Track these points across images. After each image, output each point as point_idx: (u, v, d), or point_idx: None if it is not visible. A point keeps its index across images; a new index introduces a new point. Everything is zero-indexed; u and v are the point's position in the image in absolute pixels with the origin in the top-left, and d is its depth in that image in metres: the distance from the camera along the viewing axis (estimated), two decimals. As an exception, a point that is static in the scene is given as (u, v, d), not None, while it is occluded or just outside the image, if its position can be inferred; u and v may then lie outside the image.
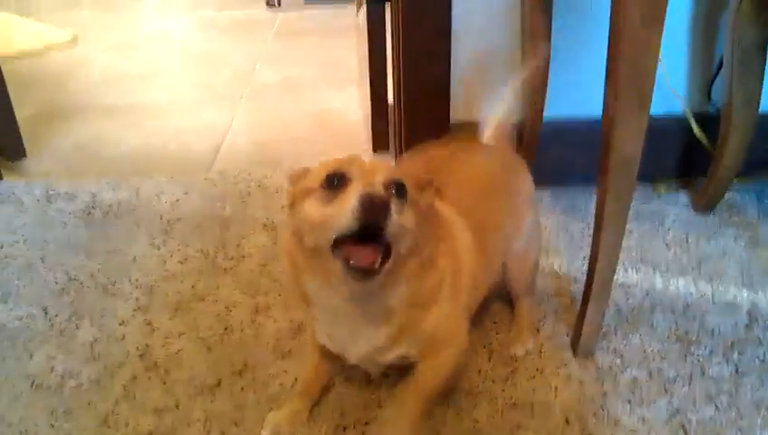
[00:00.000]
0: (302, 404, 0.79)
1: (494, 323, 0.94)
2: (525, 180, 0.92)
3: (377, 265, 0.58)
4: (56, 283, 1.06)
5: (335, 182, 0.60)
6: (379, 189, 0.58)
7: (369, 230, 0.57)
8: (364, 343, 0.69)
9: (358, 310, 0.67)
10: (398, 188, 0.62)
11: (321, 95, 1.92)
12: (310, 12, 2.94)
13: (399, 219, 0.59)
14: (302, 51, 2.38)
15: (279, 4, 2.95)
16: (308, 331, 0.84)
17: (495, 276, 0.87)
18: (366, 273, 0.58)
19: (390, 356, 0.71)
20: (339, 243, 0.59)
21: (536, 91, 1.19)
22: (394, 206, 0.58)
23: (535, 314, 0.95)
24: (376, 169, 0.62)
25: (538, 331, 0.93)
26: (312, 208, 0.61)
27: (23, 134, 1.53)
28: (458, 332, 0.75)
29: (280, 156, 1.52)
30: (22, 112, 1.57)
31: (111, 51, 2.43)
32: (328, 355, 0.78)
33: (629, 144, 0.73)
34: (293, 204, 0.66)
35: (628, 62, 0.69)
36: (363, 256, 0.57)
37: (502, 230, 0.85)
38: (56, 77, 2.15)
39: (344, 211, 0.57)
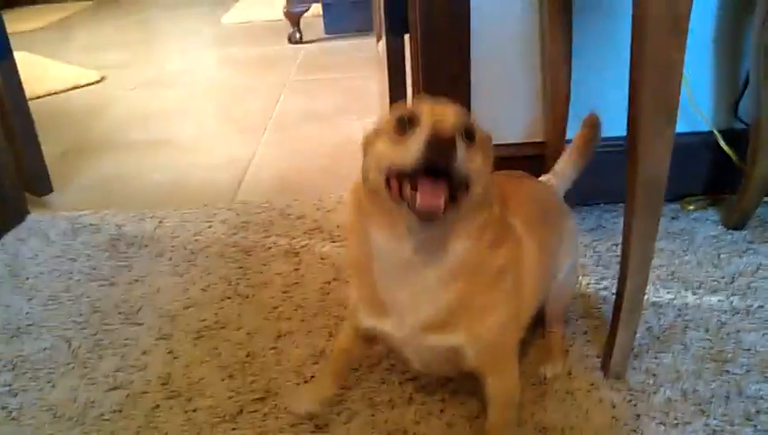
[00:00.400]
0: (329, 386, 0.79)
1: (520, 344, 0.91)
2: (573, 222, 0.92)
3: (442, 208, 0.56)
4: (80, 314, 1.07)
5: (405, 124, 0.59)
6: (447, 130, 0.57)
7: (436, 170, 0.56)
8: (422, 308, 0.66)
9: (421, 264, 0.64)
10: (467, 132, 0.60)
11: (344, 124, 1.93)
12: (331, 44, 2.98)
13: (466, 162, 0.57)
14: (325, 82, 2.40)
15: (301, 40, 3.00)
16: (347, 316, 0.81)
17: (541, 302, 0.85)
18: (431, 214, 0.56)
19: (444, 342, 0.67)
20: (405, 185, 0.58)
21: (558, 111, 1.18)
22: (461, 147, 0.56)
23: (565, 337, 0.92)
24: (446, 112, 0.60)
25: (567, 352, 0.90)
26: (382, 148, 0.61)
27: (50, 170, 1.56)
28: (515, 348, 0.73)
29: (302, 185, 1.53)
30: (49, 149, 1.61)
31: (138, 89, 2.49)
32: (364, 341, 0.77)
33: (656, 162, 0.72)
34: (365, 149, 0.65)
35: (651, 79, 0.68)
36: (428, 196, 0.56)
37: (553, 256, 0.83)
38: (83, 115, 2.20)
39: (411, 150, 0.56)
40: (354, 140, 1.82)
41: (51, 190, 1.55)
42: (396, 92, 1.39)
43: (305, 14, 3.00)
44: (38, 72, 2.71)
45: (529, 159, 1.18)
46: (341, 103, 2.13)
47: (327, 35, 3.11)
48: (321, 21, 3.18)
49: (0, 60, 1.38)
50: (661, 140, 0.71)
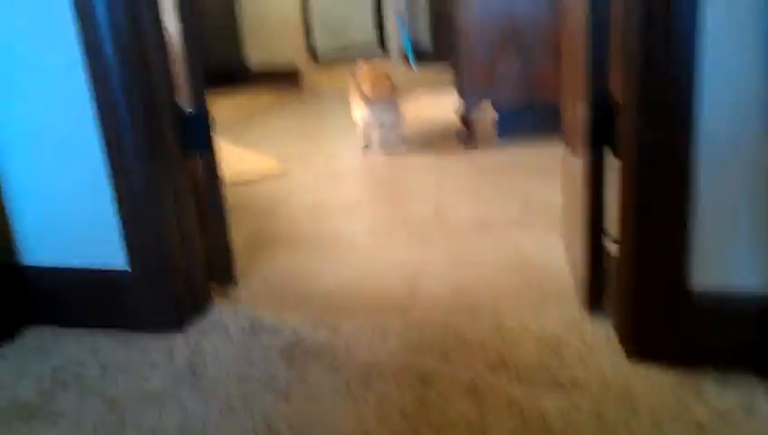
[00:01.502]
0: None
1: None
2: None
3: None
4: (254, 430, 1.03)
5: None
6: None
7: None
8: None
9: None
10: None
11: (521, 238, 1.84)
12: (505, 148, 2.94)
13: None
14: (500, 188, 2.34)
15: (474, 143, 3.00)
16: None
17: None
18: None
19: None
20: None
21: None
22: None
23: None
24: None
25: None
26: None
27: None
28: None
29: (478, 304, 1.44)
30: (234, 239, 1.67)
31: (318, 181, 2.59)
32: None
33: None
34: None
35: None
36: None
37: None
38: (267, 204, 2.31)
39: None
40: (533, 260, 1.73)
41: (236, 283, 1.59)
42: (595, 212, 1.27)
43: (479, 118, 3.01)
44: (229, 159, 2.93)
45: None
46: (517, 214, 2.04)
47: (501, 138, 3.08)
48: (495, 124, 3.17)
49: (203, 150, 1.46)
50: None
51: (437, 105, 3.96)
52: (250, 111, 4.40)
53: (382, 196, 2.39)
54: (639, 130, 1.05)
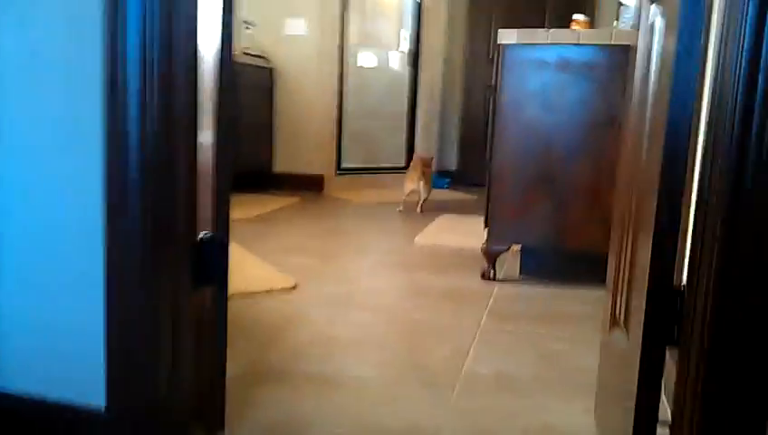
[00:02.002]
0: None
1: None
2: None
3: None
4: None
5: None
6: None
7: None
8: None
9: None
10: None
11: (547, 405, 1.65)
12: (526, 288, 2.80)
13: None
14: (522, 338, 2.18)
15: (494, 278, 2.86)
16: None
17: None
18: None
19: None
20: None
21: None
22: None
23: None
24: None
25: None
26: None
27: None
28: None
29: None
30: (228, 367, 1.50)
31: (324, 306, 2.44)
32: None
33: None
34: None
35: None
36: None
37: None
38: (271, 328, 2.15)
39: None
40: (558, 432, 1.54)
41: (222, 427, 1.41)
42: (647, 414, 1.10)
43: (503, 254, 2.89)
44: (238, 266, 2.80)
45: None
46: (541, 372, 1.87)
47: (522, 276, 2.95)
48: (516, 259, 3.06)
49: (215, 283, 1.33)
50: None
51: (460, 230, 3.87)
52: (270, 214, 4.34)
53: (394, 330, 2.22)
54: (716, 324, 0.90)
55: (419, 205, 4.65)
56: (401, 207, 4.69)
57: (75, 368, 1.24)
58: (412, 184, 4.60)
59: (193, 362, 1.26)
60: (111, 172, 1.09)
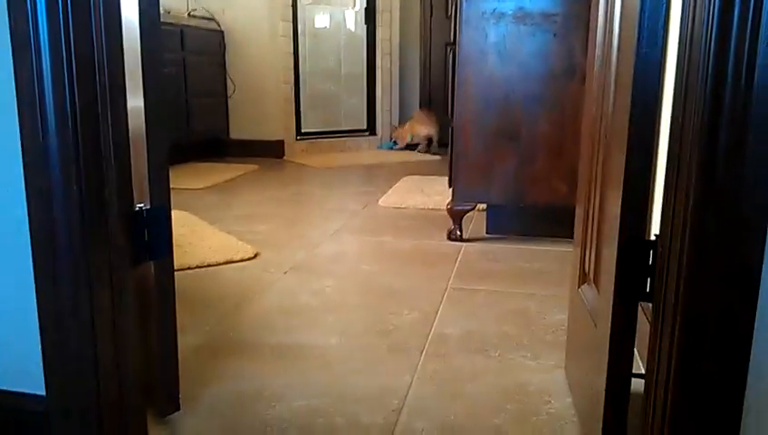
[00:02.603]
0: None
1: None
2: None
3: None
4: None
5: None
6: None
7: None
8: None
9: None
10: None
11: (516, 364, 1.61)
12: (492, 246, 2.76)
13: None
14: (489, 297, 2.14)
15: (461, 238, 2.81)
16: None
17: None
18: None
19: None
20: None
21: None
22: None
23: None
24: None
25: None
26: None
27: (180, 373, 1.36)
28: None
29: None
30: (183, 342, 1.42)
31: (286, 274, 2.36)
32: None
33: None
34: None
35: None
36: None
37: None
38: (230, 299, 2.07)
39: None
40: (530, 390, 1.51)
41: (177, 409, 1.34)
42: (619, 367, 1.06)
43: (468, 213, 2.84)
44: (195, 238, 2.70)
45: None
46: (510, 330, 1.83)
47: (489, 235, 2.91)
48: (482, 217, 3.01)
49: (158, 257, 1.23)
50: None
51: (424, 191, 3.80)
52: (228, 182, 4.20)
53: (359, 295, 2.16)
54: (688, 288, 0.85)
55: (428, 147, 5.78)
56: (420, 148, 5.84)
57: (11, 357, 1.14)
58: (426, 129, 5.68)
59: (138, 342, 1.17)
60: (27, 145, 0.97)
